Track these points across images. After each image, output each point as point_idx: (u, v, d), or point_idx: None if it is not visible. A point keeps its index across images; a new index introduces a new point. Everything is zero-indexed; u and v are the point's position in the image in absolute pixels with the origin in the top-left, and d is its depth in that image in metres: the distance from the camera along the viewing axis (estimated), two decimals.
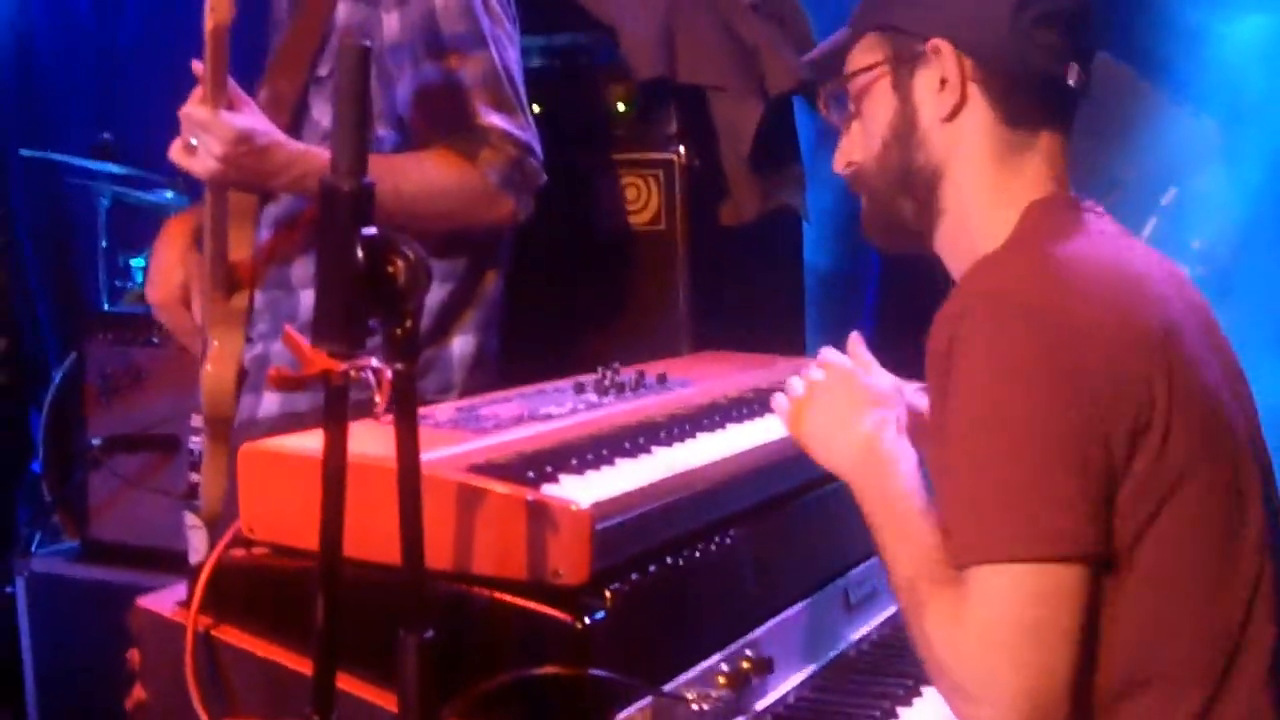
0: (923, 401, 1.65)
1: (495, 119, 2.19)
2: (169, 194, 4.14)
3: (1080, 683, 1.38)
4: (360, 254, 1.27)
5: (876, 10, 1.63)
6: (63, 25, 5.52)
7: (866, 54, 1.62)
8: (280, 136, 2.11)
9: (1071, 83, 1.56)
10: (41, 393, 4.30)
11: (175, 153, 2.09)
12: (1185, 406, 1.45)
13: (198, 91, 2.06)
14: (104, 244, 4.31)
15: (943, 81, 1.55)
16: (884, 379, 1.67)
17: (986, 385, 1.41)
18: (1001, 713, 1.36)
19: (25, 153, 4.92)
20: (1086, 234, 1.53)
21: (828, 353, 1.69)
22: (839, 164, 1.66)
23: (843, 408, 1.61)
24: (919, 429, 1.61)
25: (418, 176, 2.13)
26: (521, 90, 2.27)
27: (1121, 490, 1.41)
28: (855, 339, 1.72)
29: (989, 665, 1.36)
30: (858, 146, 1.64)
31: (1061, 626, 1.36)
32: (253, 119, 2.08)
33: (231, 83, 2.07)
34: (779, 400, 1.69)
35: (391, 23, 2.20)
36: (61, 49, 5.54)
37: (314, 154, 2.14)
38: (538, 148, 2.25)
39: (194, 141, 2.06)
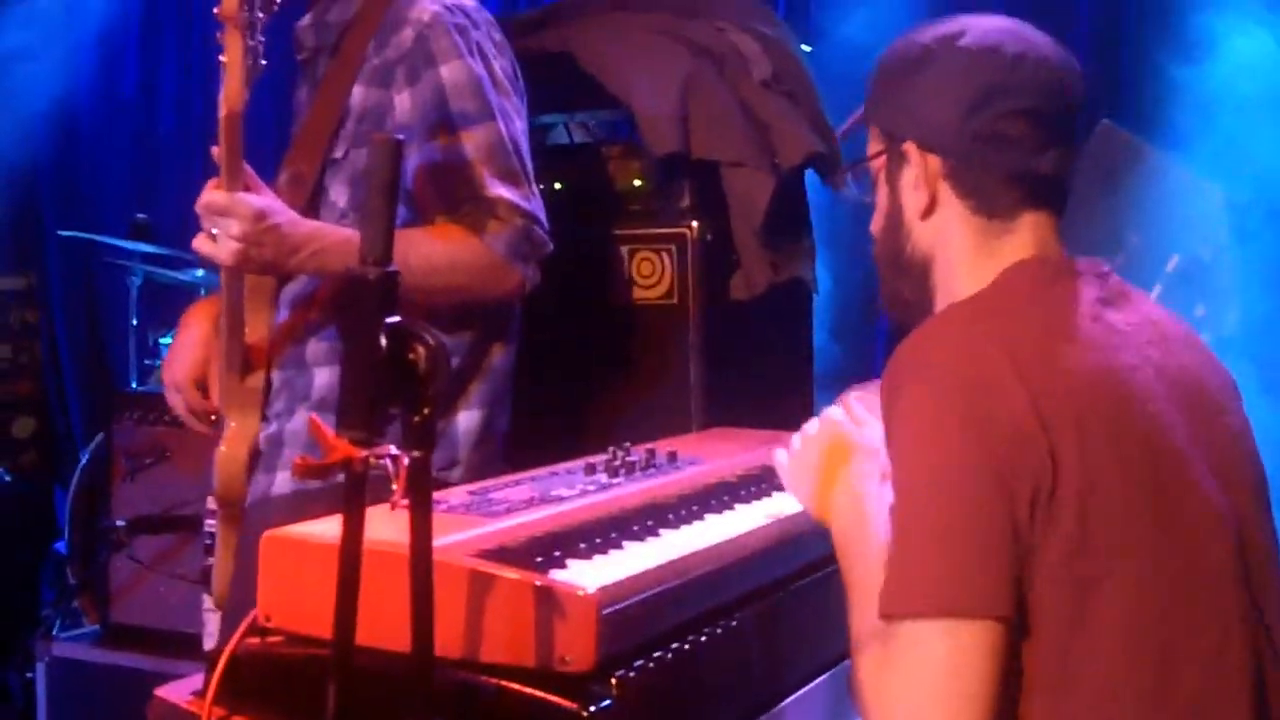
0: None
1: (501, 190, 2.21)
2: (199, 273, 4.20)
3: None
4: (384, 342, 1.30)
5: (871, 102, 1.69)
6: (105, 109, 5.65)
7: (873, 142, 1.69)
8: (294, 215, 2.14)
9: (1047, 171, 1.59)
10: (69, 472, 4.34)
11: (199, 244, 2.13)
12: (1107, 493, 1.45)
13: (213, 181, 2.11)
14: (134, 322, 4.38)
15: (916, 179, 1.63)
16: (874, 431, 1.69)
17: (908, 450, 1.49)
18: None
19: (63, 233, 5.01)
20: (1047, 300, 1.56)
21: (830, 410, 1.75)
22: (873, 228, 1.73)
23: (826, 459, 1.68)
24: None
25: (425, 250, 2.14)
26: (528, 162, 2.28)
27: (1032, 566, 1.44)
28: (848, 398, 1.77)
29: (911, 713, 1.41)
30: (875, 219, 1.71)
31: (974, 685, 1.40)
32: (268, 200, 2.12)
33: (247, 167, 2.11)
34: (779, 455, 1.77)
35: (403, 103, 2.23)
36: (103, 131, 5.66)
37: (327, 231, 2.17)
38: (543, 218, 2.26)
39: (215, 231, 2.09)
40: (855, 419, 1.71)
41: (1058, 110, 1.60)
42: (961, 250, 1.62)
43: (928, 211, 1.63)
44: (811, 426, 1.73)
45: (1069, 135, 1.62)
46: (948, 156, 1.61)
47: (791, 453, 1.74)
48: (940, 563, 1.42)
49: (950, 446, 1.44)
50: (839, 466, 1.66)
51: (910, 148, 1.62)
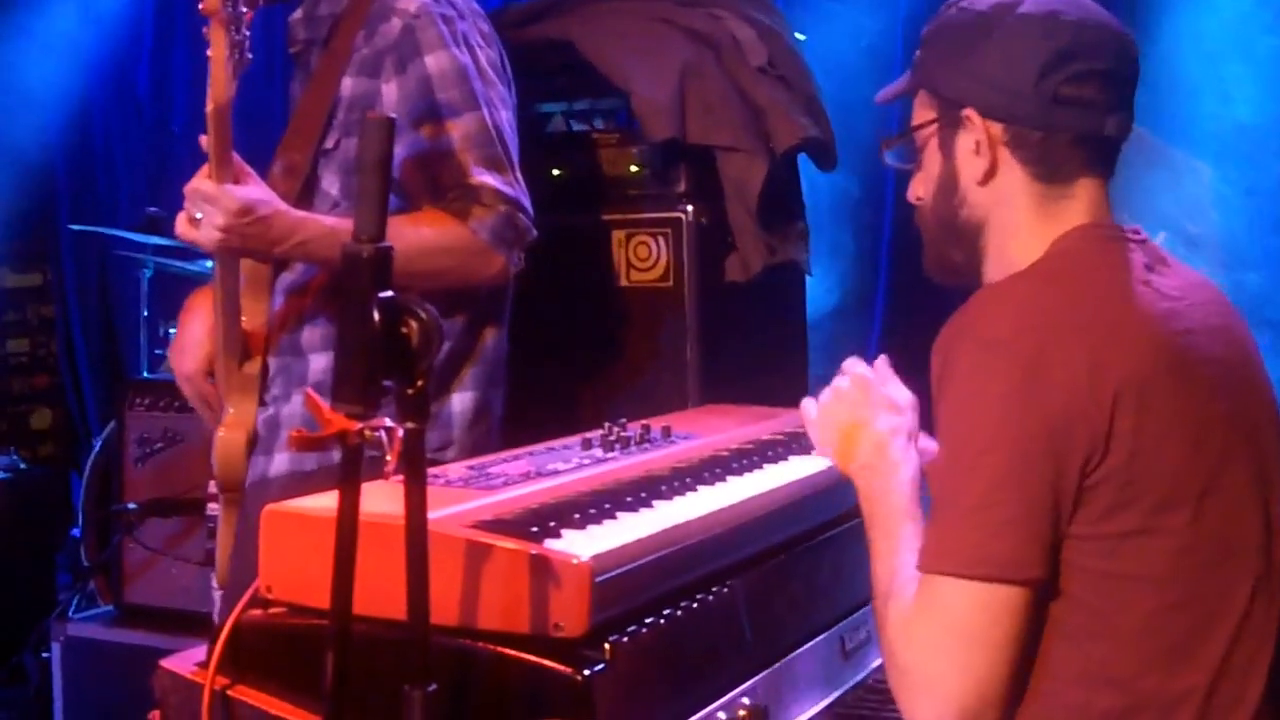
0: None
1: (486, 177, 2.25)
2: (209, 264, 4.23)
3: (1015, 694, 1.50)
4: (377, 316, 1.34)
5: (924, 70, 1.71)
6: (118, 106, 5.71)
7: (923, 110, 1.71)
8: (282, 206, 2.18)
9: (1109, 134, 1.62)
10: (84, 459, 4.41)
11: (180, 226, 2.18)
12: (1156, 456, 1.50)
13: (204, 168, 2.15)
14: (145, 313, 4.44)
15: (977, 145, 1.64)
16: (902, 391, 1.75)
17: (960, 412, 1.53)
18: (939, 707, 1.48)
19: (75, 227, 5.07)
20: (1105, 266, 1.60)
21: (852, 362, 1.79)
22: (911, 195, 1.76)
23: (858, 410, 1.72)
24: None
25: (411, 235, 2.18)
26: (513, 150, 2.32)
27: (1069, 523, 1.50)
28: (882, 360, 1.81)
29: (935, 664, 1.49)
30: (921, 185, 1.73)
31: (998, 639, 1.48)
32: (256, 191, 2.16)
33: (236, 157, 2.15)
34: (806, 404, 1.80)
35: (390, 92, 2.28)
36: (117, 128, 5.72)
37: (314, 221, 2.21)
38: (528, 204, 2.30)
39: (198, 215, 2.14)
40: (883, 378, 1.75)
41: (1123, 72, 1.63)
42: (1019, 215, 1.64)
43: (987, 177, 1.64)
44: (842, 382, 1.76)
45: (1130, 98, 1.64)
46: (1014, 122, 1.61)
47: (820, 405, 1.77)
48: (984, 527, 1.48)
49: (1004, 414, 1.48)
50: (868, 418, 1.70)
51: (971, 114, 1.63)
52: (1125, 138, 1.64)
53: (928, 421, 1.65)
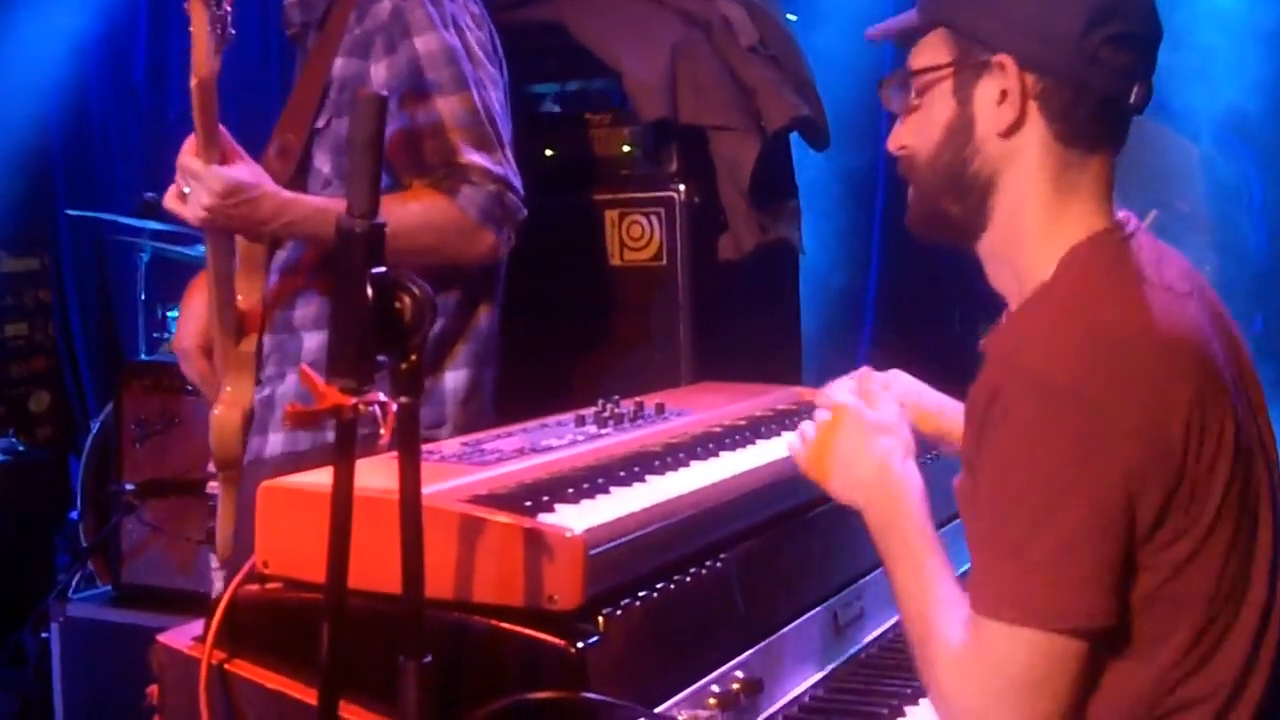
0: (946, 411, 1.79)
1: (475, 156, 2.26)
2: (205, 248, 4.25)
3: None
4: (370, 291, 1.34)
5: (943, 7, 1.58)
6: (114, 92, 5.71)
7: (933, 51, 1.58)
8: (270, 186, 2.20)
9: (1134, 103, 1.53)
10: (82, 441, 4.43)
11: (169, 199, 2.20)
12: (1212, 475, 1.45)
13: (192, 141, 2.16)
14: (143, 297, 4.46)
15: (1003, 94, 1.52)
16: (888, 409, 1.71)
17: (1022, 461, 1.43)
18: None
19: (72, 212, 5.08)
20: (1129, 282, 1.51)
21: (831, 391, 1.76)
22: (892, 144, 1.64)
23: (850, 444, 1.67)
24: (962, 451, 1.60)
25: (400, 214, 2.18)
26: (502, 129, 2.33)
27: (1139, 557, 1.44)
28: (864, 373, 1.79)
29: (996, 711, 1.43)
30: (913, 133, 1.60)
31: (1058, 687, 1.43)
32: (244, 171, 2.17)
33: (225, 135, 2.16)
34: (793, 444, 1.75)
35: (380, 71, 2.29)
36: (113, 114, 5.73)
37: (302, 201, 2.23)
38: (517, 183, 2.31)
39: (187, 189, 2.15)
40: (867, 396, 1.72)
41: (1152, 38, 1.55)
42: (1034, 180, 1.54)
43: (1011, 130, 1.52)
44: (822, 415, 1.72)
45: (1153, 69, 1.56)
46: (1049, 74, 1.51)
47: (804, 439, 1.73)
48: (1055, 583, 1.40)
49: (1077, 466, 1.40)
50: (862, 449, 1.66)
51: (1006, 60, 1.51)
52: (1142, 110, 1.55)
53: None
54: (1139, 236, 1.57)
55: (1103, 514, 1.41)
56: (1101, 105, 1.52)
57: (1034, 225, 1.55)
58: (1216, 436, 1.45)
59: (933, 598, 1.52)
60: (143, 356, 4.36)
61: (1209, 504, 1.44)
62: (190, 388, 3.49)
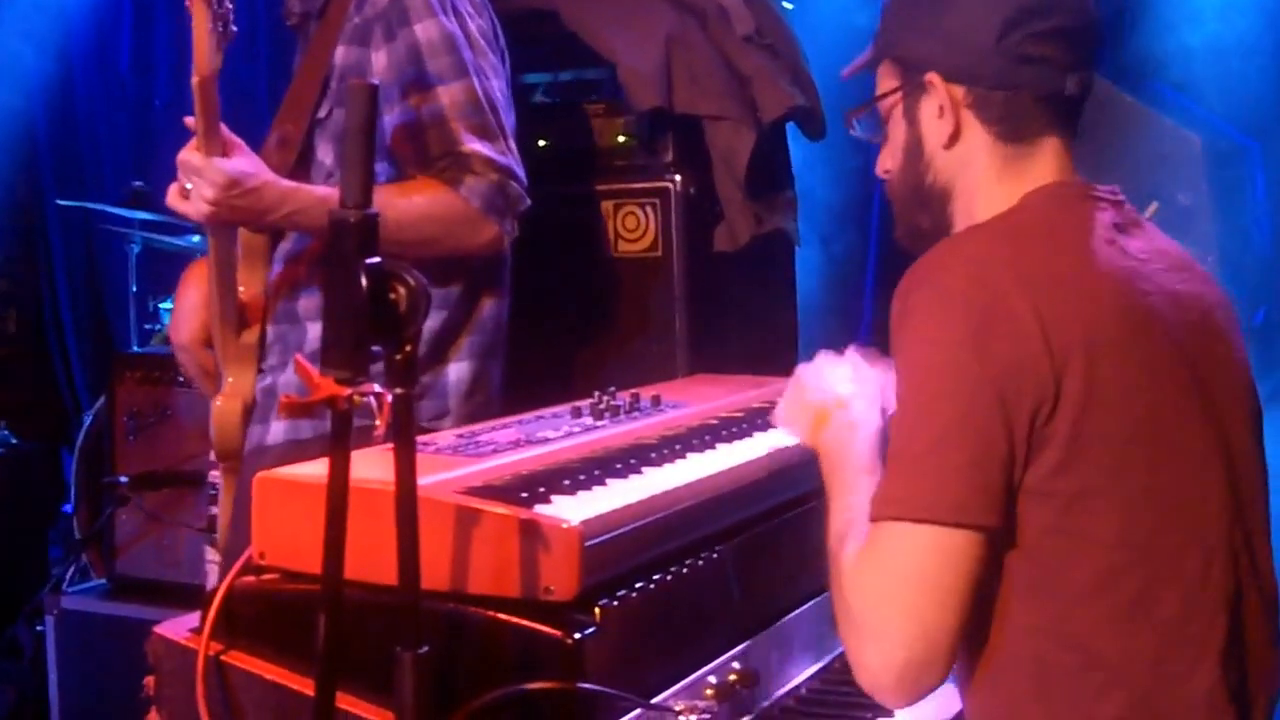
0: None
1: (477, 145, 2.26)
2: (196, 238, 4.25)
3: (966, 646, 1.52)
4: (364, 282, 1.34)
5: (886, 39, 1.71)
6: (101, 82, 5.70)
7: (885, 80, 1.72)
8: (270, 177, 2.19)
9: (1071, 92, 1.63)
10: (74, 434, 4.42)
11: (171, 197, 2.20)
12: (1106, 415, 1.51)
13: (195, 139, 2.16)
14: (134, 288, 4.44)
15: (940, 109, 1.64)
16: (866, 369, 1.77)
17: (914, 359, 1.54)
18: (887, 654, 1.48)
19: (62, 202, 5.07)
20: (1067, 223, 1.60)
21: (828, 359, 1.81)
22: (878, 170, 1.77)
23: (817, 387, 1.76)
24: None
25: (403, 204, 2.19)
26: (504, 118, 2.33)
27: (1020, 477, 1.50)
28: (851, 350, 1.83)
29: (883, 610, 1.48)
30: (888, 157, 1.74)
31: (948, 585, 1.48)
32: (244, 163, 2.17)
33: (225, 129, 2.16)
34: (777, 409, 1.82)
35: (380, 60, 2.28)
36: (100, 104, 5.71)
37: (304, 191, 2.22)
38: (520, 173, 2.31)
39: (189, 186, 2.15)
40: (850, 360, 1.77)
41: (1083, 27, 1.64)
42: (984, 177, 1.65)
43: (951, 141, 1.65)
44: (801, 369, 1.80)
45: (1091, 55, 1.65)
46: (976, 83, 1.63)
47: (784, 396, 1.81)
48: (933, 472, 1.48)
49: (954, 360, 1.50)
50: (825, 395, 1.73)
51: (934, 78, 1.64)
52: (1087, 96, 1.65)
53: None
54: (1115, 204, 1.64)
55: (974, 408, 1.48)
56: (1036, 101, 1.62)
57: (987, 206, 1.65)
58: (1119, 383, 1.51)
59: (854, 514, 1.58)
60: (135, 348, 4.34)
61: (1096, 447, 1.50)
62: (182, 379, 3.51)
